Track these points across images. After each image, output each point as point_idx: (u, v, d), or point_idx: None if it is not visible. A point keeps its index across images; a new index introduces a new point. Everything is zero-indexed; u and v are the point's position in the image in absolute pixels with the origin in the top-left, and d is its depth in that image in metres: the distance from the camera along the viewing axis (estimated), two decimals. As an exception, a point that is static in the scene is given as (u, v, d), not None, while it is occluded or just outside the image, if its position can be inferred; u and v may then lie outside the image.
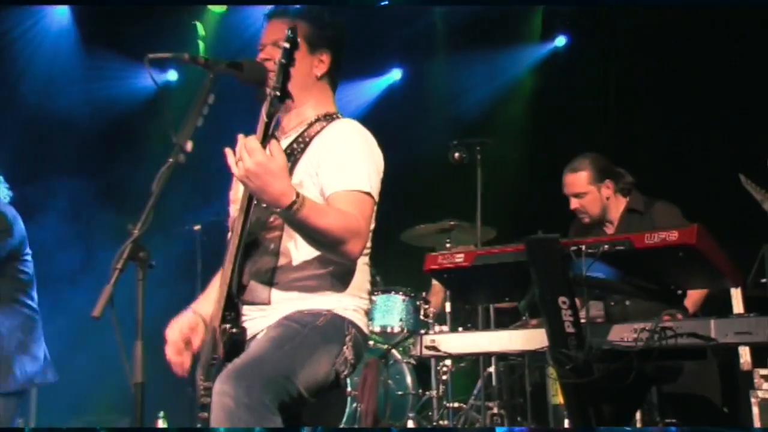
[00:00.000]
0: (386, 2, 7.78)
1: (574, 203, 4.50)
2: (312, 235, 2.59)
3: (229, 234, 2.89)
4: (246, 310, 2.74)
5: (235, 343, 2.65)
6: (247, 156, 2.43)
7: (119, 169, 7.51)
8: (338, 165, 2.73)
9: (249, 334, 2.72)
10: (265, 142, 2.48)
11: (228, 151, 2.51)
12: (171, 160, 2.36)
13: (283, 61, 2.47)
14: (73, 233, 7.02)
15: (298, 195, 2.48)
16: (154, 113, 7.13)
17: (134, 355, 2.11)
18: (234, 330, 2.65)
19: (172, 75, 8.10)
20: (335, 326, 2.74)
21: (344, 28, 2.98)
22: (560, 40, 8.00)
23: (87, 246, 7.04)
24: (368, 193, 2.73)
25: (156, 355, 2.47)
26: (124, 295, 2.13)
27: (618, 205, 4.48)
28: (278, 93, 2.48)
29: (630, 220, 4.44)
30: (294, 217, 2.50)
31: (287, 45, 2.46)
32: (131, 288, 2.17)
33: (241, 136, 2.50)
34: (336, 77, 2.98)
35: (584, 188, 4.46)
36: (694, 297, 4.18)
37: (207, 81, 2.55)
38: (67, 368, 4.66)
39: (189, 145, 2.38)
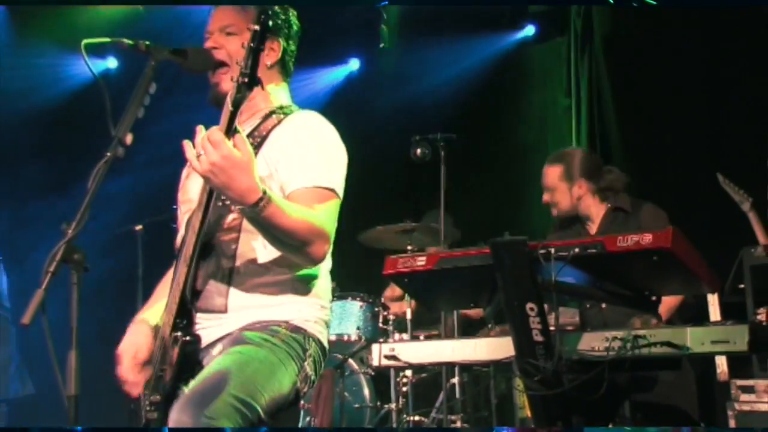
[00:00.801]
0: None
1: (545, 196, 4.64)
2: (276, 235, 2.55)
3: (179, 237, 2.86)
4: (199, 318, 2.69)
5: (187, 353, 2.61)
6: (211, 149, 2.36)
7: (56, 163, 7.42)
8: (300, 160, 2.71)
9: (203, 343, 2.68)
10: (229, 133, 2.43)
11: (187, 143, 2.45)
12: (109, 154, 2.33)
13: (252, 44, 2.41)
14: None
15: (264, 192, 2.44)
16: (91, 104, 7.02)
17: (68, 366, 2.07)
18: (186, 338, 2.61)
19: (111, 62, 8.01)
20: (296, 341, 2.71)
21: (297, 16, 2.96)
22: (529, 30, 8.01)
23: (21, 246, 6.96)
24: (333, 190, 2.71)
25: (92, 366, 2.43)
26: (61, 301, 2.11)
27: (596, 205, 4.53)
28: (246, 79, 2.42)
29: (615, 218, 4.48)
30: (259, 216, 2.46)
31: (257, 27, 2.41)
32: (66, 293, 2.13)
33: (200, 128, 2.44)
34: (289, 67, 2.98)
35: (553, 183, 4.56)
36: (668, 303, 4.23)
37: (148, 69, 2.53)
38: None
39: (129, 138, 2.35)
